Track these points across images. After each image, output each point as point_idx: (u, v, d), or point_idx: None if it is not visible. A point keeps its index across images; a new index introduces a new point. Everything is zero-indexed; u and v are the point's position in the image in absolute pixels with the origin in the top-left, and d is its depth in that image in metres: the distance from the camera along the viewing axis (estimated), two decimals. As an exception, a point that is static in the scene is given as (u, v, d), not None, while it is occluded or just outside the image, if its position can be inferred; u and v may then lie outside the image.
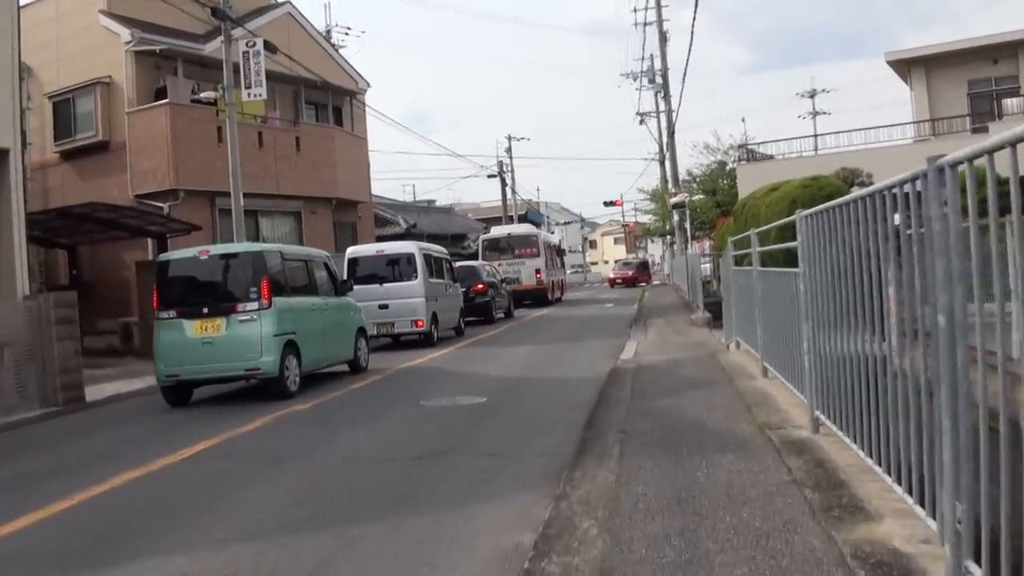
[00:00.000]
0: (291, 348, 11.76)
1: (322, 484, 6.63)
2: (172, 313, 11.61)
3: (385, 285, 18.67)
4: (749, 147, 33.18)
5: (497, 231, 37.78)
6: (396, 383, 12.95)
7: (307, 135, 25.79)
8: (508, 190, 54.88)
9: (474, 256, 35.53)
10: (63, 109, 23.24)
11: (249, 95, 19.46)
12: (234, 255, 11.98)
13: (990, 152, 2.80)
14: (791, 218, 6.60)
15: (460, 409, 9.86)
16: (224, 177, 18.99)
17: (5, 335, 12.19)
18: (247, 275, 11.60)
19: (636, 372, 11.17)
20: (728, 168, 37.07)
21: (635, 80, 44.60)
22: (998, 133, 2.73)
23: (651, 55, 44.46)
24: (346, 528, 5.41)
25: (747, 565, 3.75)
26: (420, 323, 18.37)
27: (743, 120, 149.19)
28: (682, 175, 39.43)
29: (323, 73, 26.25)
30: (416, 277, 18.71)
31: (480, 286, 25.14)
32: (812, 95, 57.90)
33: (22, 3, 16.21)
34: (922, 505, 3.69)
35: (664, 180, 42.42)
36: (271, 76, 23.35)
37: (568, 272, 60.17)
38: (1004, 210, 2.82)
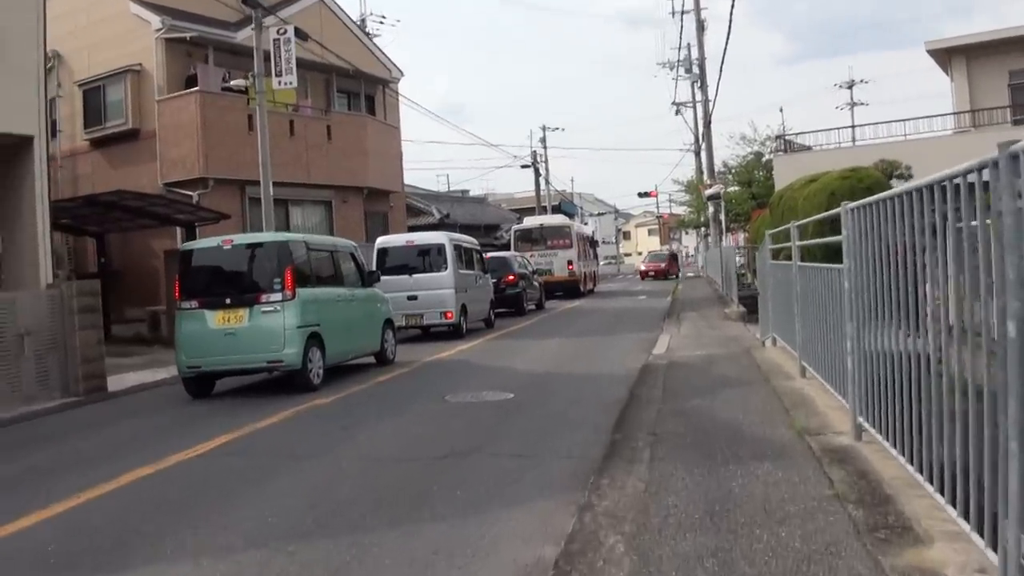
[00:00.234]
0: (315, 340, 11.52)
1: (338, 485, 6.35)
2: (194, 303, 11.41)
3: (414, 276, 18.43)
4: (786, 138, 32.54)
5: (529, 222, 37.45)
6: (422, 377, 12.68)
7: (338, 124, 25.57)
8: (542, 180, 54.51)
9: (506, 247, 35.25)
10: (93, 97, 23.19)
11: (280, 83, 19.26)
12: (258, 245, 11.76)
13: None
14: (835, 211, 6.20)
15: (486, 405, 9.56)
16: (254, 166, 18.80)
17: (26, 324, 12.04)
18: (271, 265, 11.36)
19: (668, 369, 10.80)
20: (764, 159, 36.43)
21: (672, 69, 44.03)
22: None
23: (688, 44, 43.83)
24: (360, 535, 5.13)
25: (787, 593, 3.41)
26: (449, 315, 18.10)
27: (780, 110, 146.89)
28: (718, 166, 38.86)
29: (355, 61, 26.01)
30: (446, 268, 18.43)
31: (511, 277, 24.82)
32: (850, 86, 56.99)
33: (51, -11, 16.13)
34: (980, 532, 3.32)
35: (699, 171, 41.86)
36: (302, 64, 23.18)
37: (601, 263, 59.78)
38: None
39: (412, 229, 32.76)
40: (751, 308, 16.91)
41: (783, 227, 10.24)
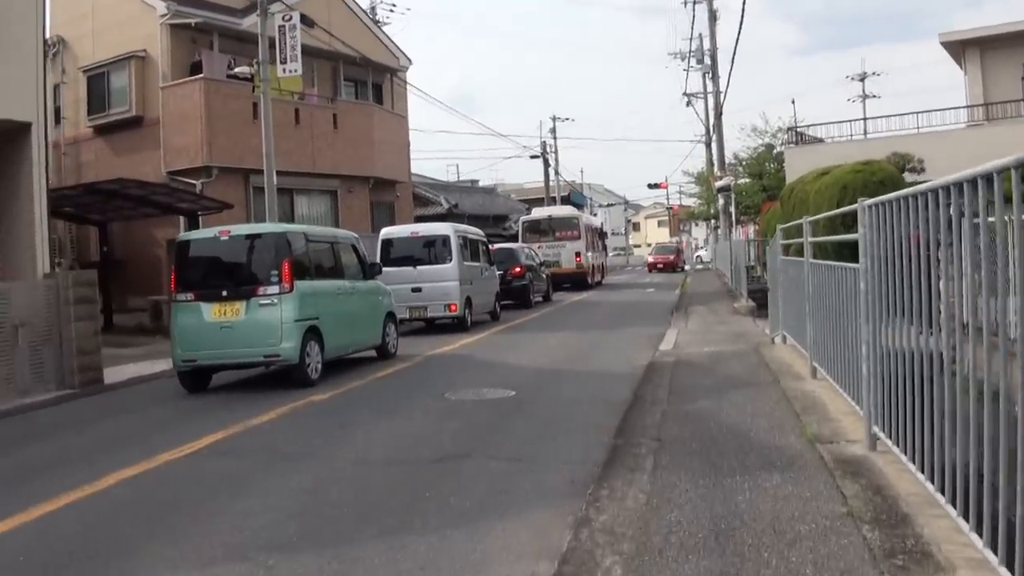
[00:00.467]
0: (313, 334, 11.26)
1: (326, 491, 6.07)
2: (190, 295, 11.15)
3: (419, 268, 18.14)
4: (798, 130, 32.13)
5: (538, 213, 37.13)
6: (423, 372, 12.41)
7: (345, 112, 25.25)
8: (551, 171, 54.12)
9: (515, 238, 34.94)
10: (97, 83, 22.95)
11: (284, 70, 18.99)
12: (255, 236, 11.49)
13: None
14: (851, 207, 5.87)
15: (486, 404, 9.28)
16: (259, 154, 18.52)
17: (21, 315, 11.82)
18: (268, 257, 11.10)
19: (675, 367, 10.50)
20: (775, 152, 36.04)
21: (683, 60, 43.46)
22: None
23: (700, 34, 43.40)
24: (344, 547, 4.86)
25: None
26: (454, 307, 17.81)
27: (792, 102, 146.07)
28: (729, 158, 38.47)
29: (363, 49, 25.71)
30: (451, 260, 18.14)
31: (518, 269, 24.52)
32: (862, 78, 56.54)
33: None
34: (1010, 567, 3.02)
35: (710, 163, 41.43)
36: (309, 52, 22.92)
37: (610, 255, 59.41)
38: None
39: (420, 219, 32.49)
40: (761, 302, 16.60)
41: (795, 222, 9.92)
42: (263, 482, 6.43)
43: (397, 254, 18.43)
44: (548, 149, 53.56)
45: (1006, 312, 3.13)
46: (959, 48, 30.47)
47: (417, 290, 17.83)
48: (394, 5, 74.97)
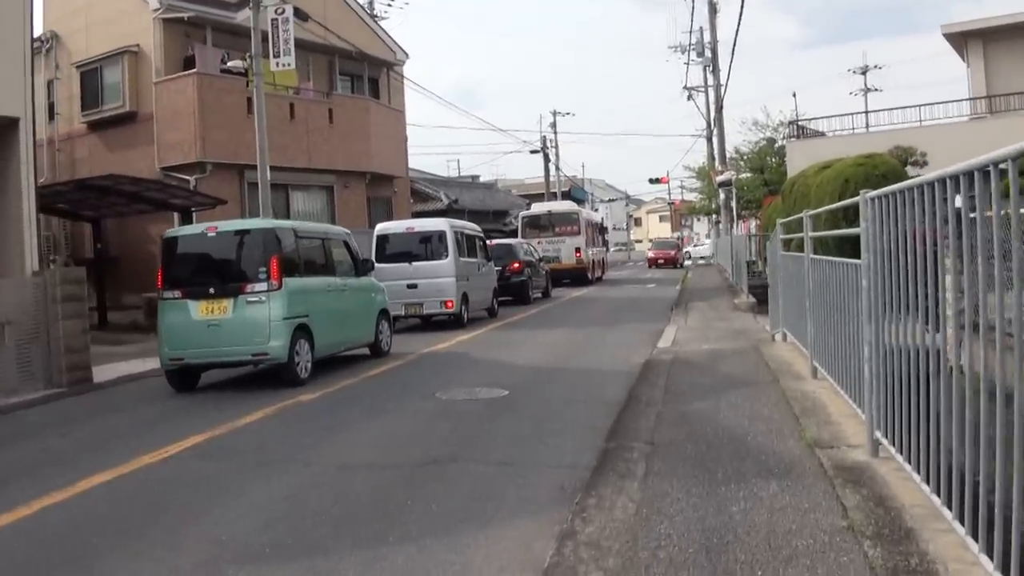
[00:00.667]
0: (303, 332, 11.01)
1: (304, 497, 5.83)
2: (177, 293, 10.92)
3: (414, 264, 17.90)
4: (799, 123, 31.84)
5: (537, 208, 36.87)
6: (416, 370, 12.16)
7: (341, 107, 24.96)
8: (552, 166, 53.88)
9: (515, 233, 34.70)
10: (90, 79, 22.68)
11: (278, 64, 18.70)
12: (243, 232, 11.24)
13: None
14: (852, 200, 5.61)
15: (478, 404, 9.03)
16: (253, 150, 18.23)
17: (8, 313, 11.59)
18: (256, 254, 10.85)
19: (672, 366, 10.24)
20: (777, 145, 35.76)
21: (683, 53, 43.13)
22: None
23: (700, 27, 42.93)
24: (318, 558, 4.62)
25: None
26: (450, 304, 17.56)
27: (794, 96, 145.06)
28: (729, 152, 38.16)
29: (359, 43, 25.44)
30: (447, 256, 17.88)
31: (516, 265, 24.26)
32: (864, 71, 56.10)
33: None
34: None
35: (711, 157, 41.13)
36: (305, 46, 22.66)
37: (612, 250, 59.10)
38: None
39: (420, 214, 32.25)
40: (762, 298, 16.32)
41: (795, 216, 9.67)
42: (241, 487, 6.19)
43: (392, 250, 18.19)
44: (548, 144, 53.33)
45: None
46: (961, 40, 30.16)
47: (413, 286, 17.58)
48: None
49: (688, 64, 43.06)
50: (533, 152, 52.13)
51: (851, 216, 10.27)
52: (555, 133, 57.35)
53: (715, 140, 37.97)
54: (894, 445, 4.65)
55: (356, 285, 12.97)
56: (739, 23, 79.79)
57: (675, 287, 28.29)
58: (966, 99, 28.67)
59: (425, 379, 11.11)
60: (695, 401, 7.77)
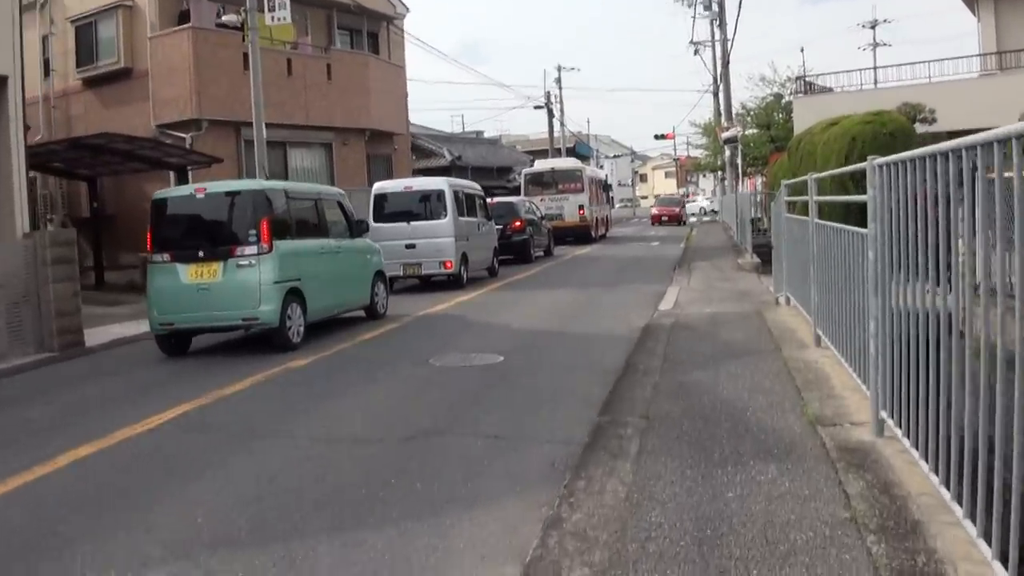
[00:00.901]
0: (295, 296, 10.76)
1: (286, 474, 5.61)
2: (166, 256, 10.67)
3: (413, 224, 17.59)
4: (807, 79, 31.28)
5: (540, 165, 36.42)
6: (411, 333, 11.92)
7: (339, 62, 24.48)
8: (556, 122, 53.26)
9: (518, 190, 34.31)
10: (85, 34, 22.21)
11: (272, 18, 18.28)
12: (233, 193, 10.94)
13: None
14: (859, 165, 5.30)
15: (472, 371, 8.81)
16: (250, 106, 17.85)
17: (-6, 276, 11.38)
18: (246, 216, 10.57)
19: (672, 331, 9.99)
20: (784, 101, 35.21)
21: (690, 7, 42.32)
22: None
23: (707, -21, 42.05)
24: (294, 542, 4.41)
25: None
26: (448, 264, 17.29)
27: (801, 50, 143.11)
28: (736, 108, 37.61)
29: (358, -4, 24.93)
30: (445, 215, 17.57)
31: (518, 223, 23.94)
32: (873, 25, 55.38)
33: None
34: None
35: (717, 113, 40.51)
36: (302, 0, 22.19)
37: (616, 207, 58.64)
38: None
39: (424, 172, 31.86)
40: (766, 258, 16.02)
41: (800, 178, 9.34)
42: (221, 463, 5.98)
43: (390, 209, 17.88)
44: (552, 99, 52.66)
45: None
46: (972, -6, 29.53)
47: (411, 247, 17.31)
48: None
49: (695, 18, 42.25)
50: (537, 108, 51.53)
51: (858, 179, 10.00)
52: (560, 88, 56.76)
53: (721, 96, 37.37)
54: (900, 427, 4.40)
55: (350, 247, 12.68)
56: (747, -25, 78.41)
57: (679, 245, 27.99)
58: (976, 55, 28.13)
59: (420, 343, 10.88)
60: (694, 371, 7.52)
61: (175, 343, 10.99)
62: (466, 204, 18.76)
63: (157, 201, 11.12)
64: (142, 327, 13.47)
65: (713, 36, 40.57)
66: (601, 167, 66.47)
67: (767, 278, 14.57)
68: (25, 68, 22.97)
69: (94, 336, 12.87)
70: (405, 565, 4.07)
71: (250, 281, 10.32)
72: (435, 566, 4.05)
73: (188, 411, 7.61)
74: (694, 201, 65.50)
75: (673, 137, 68.18)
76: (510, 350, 9.77)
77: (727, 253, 22.63)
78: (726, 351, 8.41)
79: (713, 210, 62.61)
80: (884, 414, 4.77)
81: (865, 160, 5.10)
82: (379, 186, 18.73)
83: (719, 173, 48.27)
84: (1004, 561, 2.82)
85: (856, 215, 9.54)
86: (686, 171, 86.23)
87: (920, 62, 27.21)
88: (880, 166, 4.71)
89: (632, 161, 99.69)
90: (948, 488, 3.48)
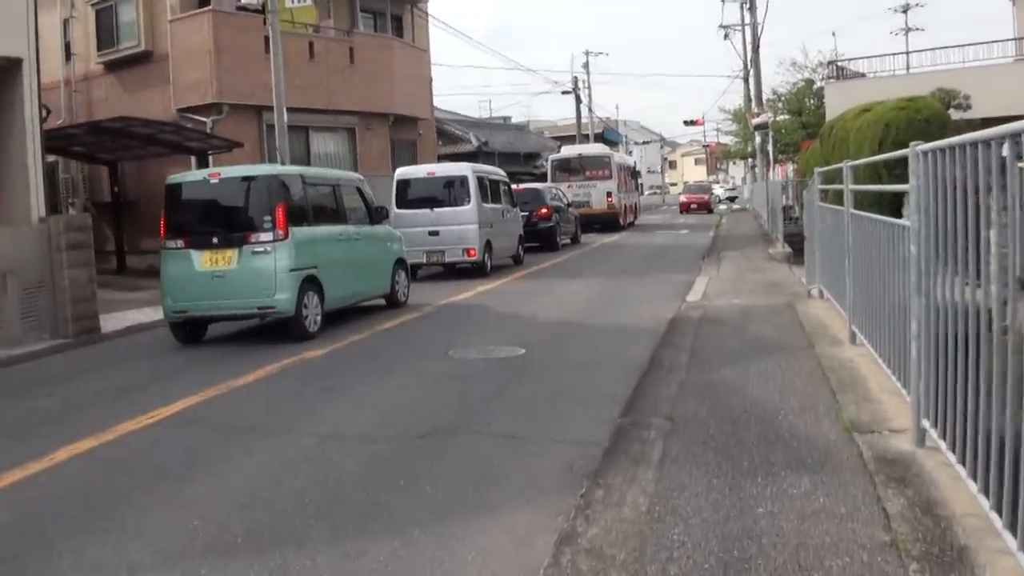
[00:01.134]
0: (311, 284, 10.50)
1: (289, 474, 5.33)
2: (180, 243, 10.44)
3: (436, 210, 17.29)
4: (839, 64, 30.61)
5: (567, 151, 35.99)
6: (431, 324, 11.63)
7: (362, 46, 24.14)
8: (584, 108, 52.66)
9: (545, 176, 33.94)
10: (106, 17, 22.02)
11: (293, 0, 18.02)
12: (248, 179, 10.67)
13: None
14: (900, 152, 4.92)
15: (491, 364, 8.51)
16: (271, 90, 17.57)
17: (10, 262, 11.20)
18: (262, 202, 10.31)
19: (700, 324, 9.63)
20: (815, 87, 34.54)
21: (720, -11, 41.66)
22: None
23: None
24: (291, 551, 4.14)
25: None
26: (472, 252, 16.98)
27: (833, 35, 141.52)
28: (767, 94, 36.95)
29: (382, -22, 24.58)
30: (469, 202, 17.25)
31: (544, 211, 23.59)
32: (905, 9, 54.30)
33: None
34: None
35: (747, 99, 39.85)
36: (323, -19, 21.88)
37: (645, 194, 58.10)
38: None
39: (450, 157, 31.55)
40: (798, 248, 15.58)
41: (834, 166, 8.95)
42: (222, 462, 5.72)
43: (413, 196, 17.61)
44: (580, 84, 52.06)
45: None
46: (1008, -23, 28.76)
47: (434, 233, 17.02)
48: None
49: (724, 1, 41.38)
50: (564, 93, 50.98)
51: (892, 166, 9.57)
52: (587, 74, 56.01)
53: (751, 81, 36.69)
54: (945, 439, 4.04)
55: (370, 233, 12.39)
56: (779, -41, 77.24)
57: (708, 233, 27.55)
58: (1011, 39, 27.37)
59: (439, 334, 10.59)
60: (722, 368, 7.17)
61: (190, 331, 10.78)
62: (490, 190, 18.44)
63: (171, 186, 10.88)
64: (159, 313, 13.24)
65: (743, 20, 39.83)
66: (630, 153, 65.92)
67: (799, 269, 14.16)
68: (46, 52, 22.92)
69: (111, 322, 12.72)
70: (406, 577, 3.79)
71: (265, 268, 10.06)
72: (438, 583, 3.76)
73: (194, 404, 7.37)
74: (727, 186, 64.84)
75: (703, 123, 67.40)
76: (532, 342, 9.46)
77: (757, 243, 22.18)
78: (756, 347, 8.04)
79: (729, 198, 61.65)
80: (926, 423, 4.41)
81: (899, 147, 4.72)
82: (402, 172, 18.44)
83: (749, 160, 47.62)
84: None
85: (890, 204, 9.16)
86: (716, 158, 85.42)
87: (954, 46, 26.45)
88: (924, 153, 4.34)
89: (661, 148, 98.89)
90: (1000, 514, 3.12)
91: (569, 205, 27.18)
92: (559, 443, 5.69)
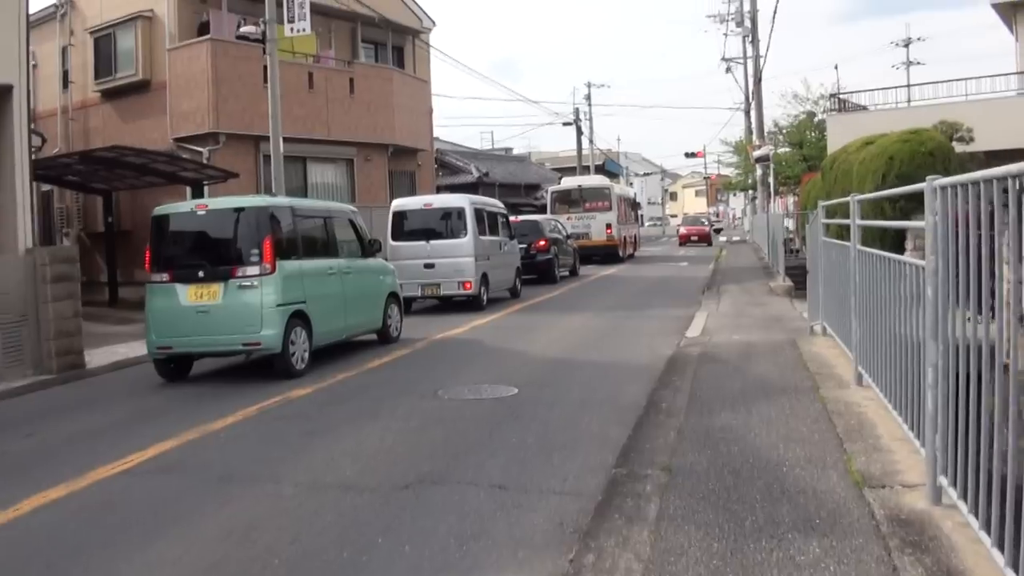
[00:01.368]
0: (299, 320, 10.18)
1: (260, 530, 4.98)
2: (165, 276, 10.14)
3: (432, 242, 16.99)
4: (841, 96, 30.45)
5: (567, 182, 35.81)
6: (422, 361, 11.29)
7: (362, 76, 23.99)
8: (585, 139, 52.60)
9: (545, 208, 33.73)
10: (104, 45, 21.88)
11: (292, 29, 17.90)
12: (237, 210, 10.36)
13: None
14: (915, 187, 4.61)
15: (482, 405, 8.17)
16: (268, 121, 17.37)
17: (-11, 294, 10.92)
18: (249, 234, 10.02)
19: (699, 363, 9.30)
20: (817, 119, 34.40)
21: (722, 23, 41.64)
22: None
23: (739, -5, 41.29)
24: (256, 620, 3.79)
25: None
26: (468, 285, 16.67)
27: (835, 68, 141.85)
28: (768, 126, 36.80)
29: (383, 9, 24.43)
30: (465, 234, 16.97)
31: (542, 243, 23.32)
32: (907, 43, 54.43)
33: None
34: None
35: (748, 131, 39.73)
36: (326, 11, 21.83)
37: (646, 225, 57.87)
38: None
39: (450, 188, 31.34)
40: (799, 281, 15.29)
41: (839, 200, 8.66)
42: (191, 514, 5.37)
43: (409, 227, 17.32)
44: (582, 116, 52.03)
45: None
46: (1010, 11, 28.55)
47: (430, 266, 16.73)
48: (427, -32, 73.47)
49: (727, 35, 41.45)
50: (566, 124, 50.91)
51: (895, 200, 9.26)
52: (589, 105, 56.08)
53: (753, 113, 36.58)
54: (965, 500, 3.70)
55: (362, 267, 12.09)
56: (780, -8, 77.57)
57: (708, 266, 27.26)
58: (1014, 73, 27.21)
59: (430, 372, 10.25)
60: (722, 412, 6.82)
61: (174, 368, 10.45)
62: (488, 222, 18.16)
63: (157, 217, 10.58)
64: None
65: (745, 53, 39.83)
66: (631, 185, 65.83)
67: (800, 303, 13.86)
68: (44, 80, 22.81)
69: (98, 356, 12.44)
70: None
71: (251, 303, 9.75)
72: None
73: (172, 448, 7.03)
74: (725, 220, 64.61)
75: (704, 155, 67.42)
76: (525, 381, 9.13)
77: (758, 276, 21.87)
78: (758, 388, 7.70)
79: (715, 229, 61.11)
80: (944, 480, 4.08)
81: (903, 180, 4.44)
82: (398, 203, 18.16)
83: (750, 192, 47.42)
84: None
85: (893, 239, 8.86)
86: (716, 190, 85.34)
87: (956, 79, 26.30)
88: (942, 188, 4.03)
89: (662, 179, 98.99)
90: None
91: (568, 237, 26.92)
92: (549, 494, 5.34)
